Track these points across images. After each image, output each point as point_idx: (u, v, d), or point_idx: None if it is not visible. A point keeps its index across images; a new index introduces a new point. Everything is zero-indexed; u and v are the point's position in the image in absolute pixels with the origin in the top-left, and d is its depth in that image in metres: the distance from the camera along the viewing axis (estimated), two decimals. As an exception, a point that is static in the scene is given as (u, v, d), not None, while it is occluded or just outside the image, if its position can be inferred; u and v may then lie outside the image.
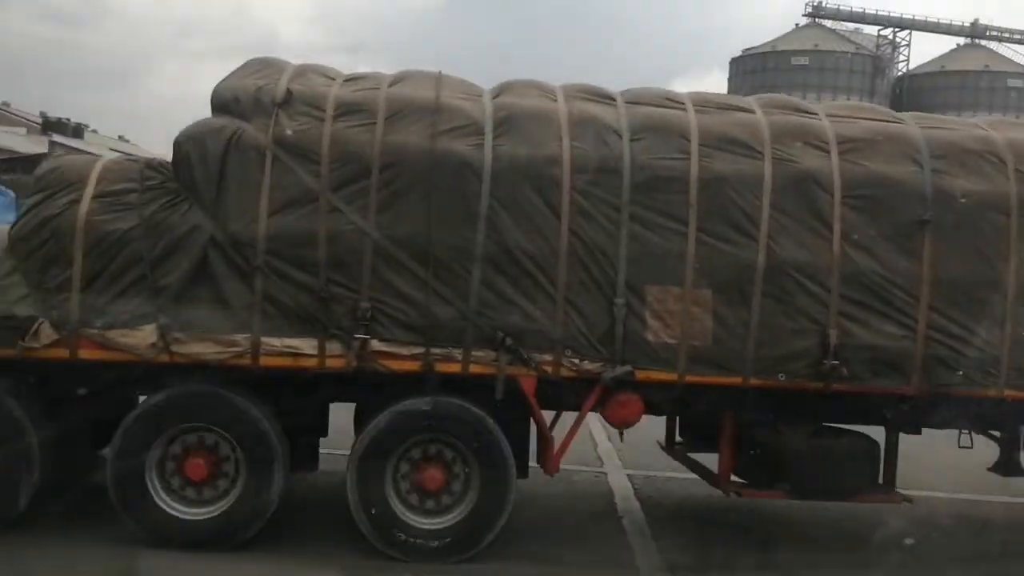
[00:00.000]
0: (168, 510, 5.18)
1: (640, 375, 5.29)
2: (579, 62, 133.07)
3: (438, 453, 5.30)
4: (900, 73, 66.95)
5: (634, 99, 5.75)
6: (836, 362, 5.31)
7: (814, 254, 5.39)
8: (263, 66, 5.60)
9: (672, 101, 5.76)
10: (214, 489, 5.23)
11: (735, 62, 67.44)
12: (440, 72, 5.73)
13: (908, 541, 5.39)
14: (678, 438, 6.63)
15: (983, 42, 66.50)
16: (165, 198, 5.12)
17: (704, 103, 5.78)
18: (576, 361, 5.26)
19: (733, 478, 5.86)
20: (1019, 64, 65.60)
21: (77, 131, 43.06)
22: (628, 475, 7.56)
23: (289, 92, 5.24)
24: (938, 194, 5.49)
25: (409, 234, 5.15)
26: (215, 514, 5.20)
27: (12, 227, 5.20)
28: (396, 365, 5.14)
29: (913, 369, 5.43)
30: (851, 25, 66.55)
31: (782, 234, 5.36)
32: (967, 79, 62.89)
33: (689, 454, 6.49)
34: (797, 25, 67.31)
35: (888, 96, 63.70)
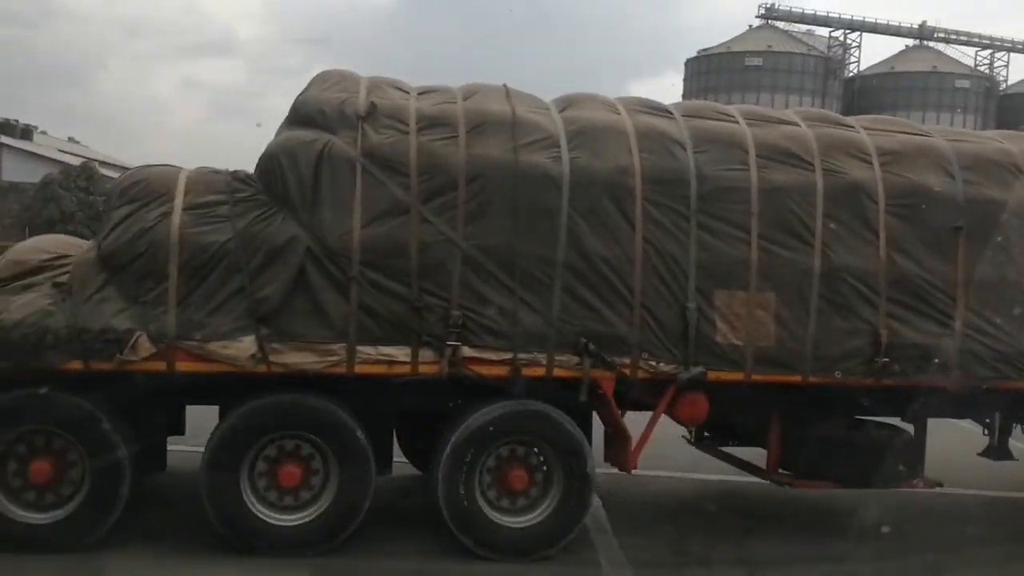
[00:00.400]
0: (264, 518, 5.19)
1: (711, 375, 5.52)
2: (534, 61, 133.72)
3: (525, 454, 5.47)
4: (851, 74, 68.10)
5: (691, 112, 6.01)
6: (887, 359, 5.65)
7: (864, 259, 5.72)
8: (340, 79, 5.62)
9: (725, 114, 6.04)
10: (308, 492, 5.26)
11: (690, 63, 68.19)
12: (506, 86, 5.88)
13: (884, 529, 5.56)
14: (705, 433, 6.73)
15: (931, 44, 67.96)
16: (258, 210, 5.11)
17: (754, 116, 6.09)
18: (653, 363, 5.46)
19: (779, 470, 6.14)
20: (965, 65, 67.20)
21: (26, 132, 42.32)
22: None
23: (373, 105, 5.31)
24: (969, 202, 5.89)
25: (495, 244, 5.27)
26: (310, 519, 5.23)
27: (102, 240, 5.09)
28: (485, 370, 5.26)
29: (952, 364, 5.75)
30: (803, 27, 67.62)
31: (835, 241, 5.68)
32: (915, 80, 64.25)
33: (720, 448, 6.70)
34: (751, 26, 68.27)
35: (840, 97, 64.81)
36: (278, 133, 5.38)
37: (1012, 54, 69.54)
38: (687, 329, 5.45)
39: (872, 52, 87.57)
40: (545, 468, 5.47)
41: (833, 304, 5.66)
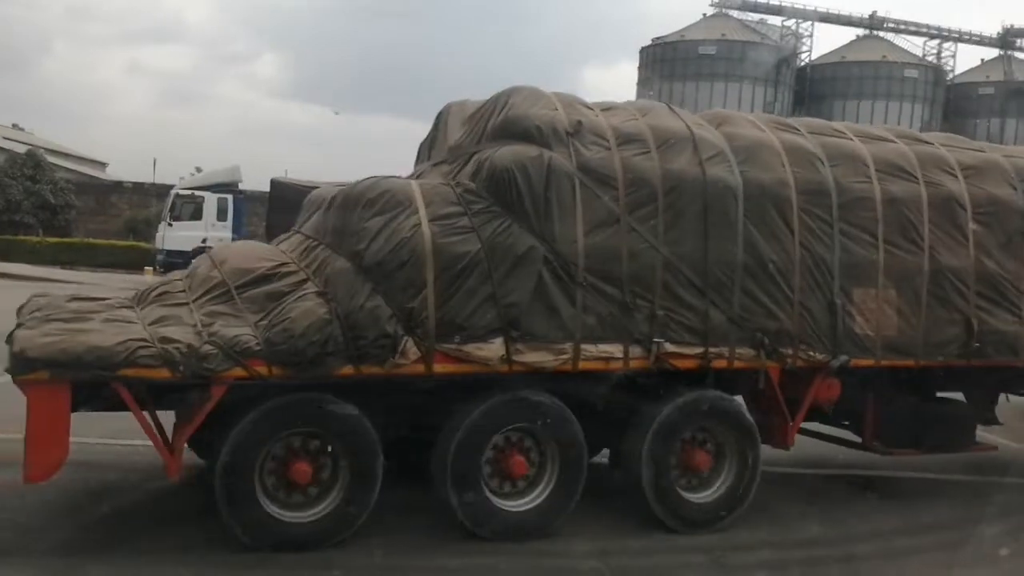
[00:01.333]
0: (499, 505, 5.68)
1: (852, 362, 6.39)
2: (485, 48, 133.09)
3: (704, 439, 6.16)
4: (803, 63, 68.86)
5: (814, 129, 6.88)
6: (978, 344, 6.73)
7: (958, 259, 6.77)
8: (538, 95, 6.12)
9: (839, 131, 6.99)
10: (524, 481, 5.76)
11: (645, 51, 68.35)
12: (669, 104, 6.71)
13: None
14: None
15: (881, 34, 68.96)
16: (497, 221, 5.53)
17: (861, 133, 7.05)
18: (811, 353, 6.26)
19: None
20: (914, 55, 68.30)
21: (-33, 120, 41.09)
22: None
23: (579, 123, 5.85)
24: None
25: (689, 250, 5.91)
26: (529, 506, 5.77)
27: (364, 250, 5.40)
28: (681, 364, 5.90)
29: (1021, 347, 6.96)
30: (756, 16, 68.17)
31: (938, 244, 6.70)
32: (866, 69, 65.17)
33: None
34: (704, 15, 68.58)
35: (792, 85, 65.55)
36: (490, 146, 5.81)
37: (958, 44, 70.88)
38: (835, 322, 6.28)
39: (824, 42, 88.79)
40: (720, 450, 6.18)
41: (937, 298, 6.67)
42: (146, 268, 25.76)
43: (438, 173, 6.11)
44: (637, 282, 5.77)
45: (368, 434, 5.29)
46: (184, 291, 5.68)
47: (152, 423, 5.08)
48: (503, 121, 5.90)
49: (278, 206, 26.25)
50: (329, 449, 5.30)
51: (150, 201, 38.40)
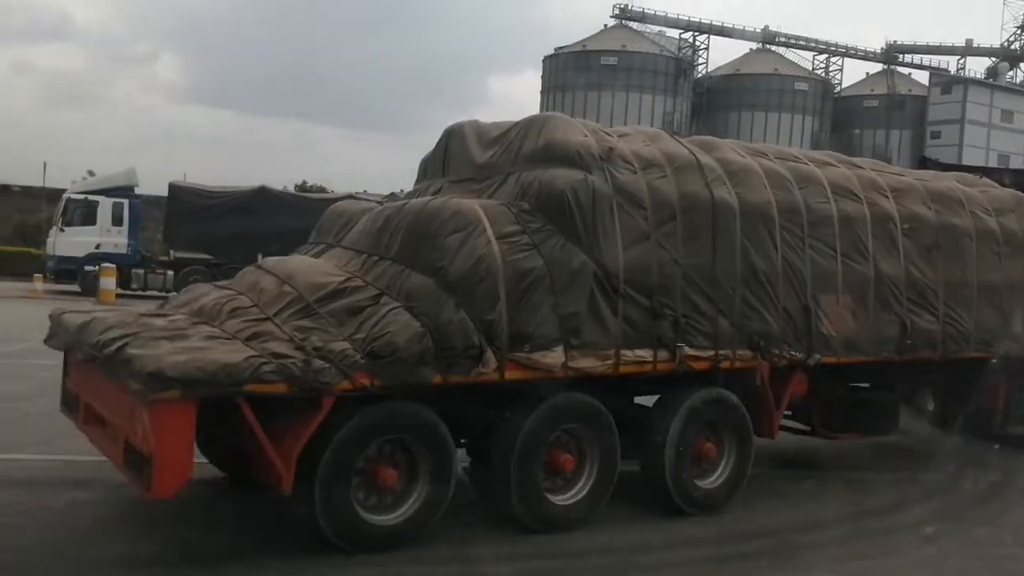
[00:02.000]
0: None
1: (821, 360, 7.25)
2: (388, 54, 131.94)
3: (712, 432, 6.76)
4: (700, 75, 70.75)
5: (779, 155, 7.71)
6: (910, 341, 7.72)
7: (894, 269, 7.75)
8: (570, 121, 6.66)
9: (798, 157, 7.89)
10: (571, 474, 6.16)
11: (547, 60, 69.15)
12: (673, 133, 7.50)
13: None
14: None
15: (773, 48, 71.41)
16: (553, 239, 5.95)
17: (814, 159, 8.01)
18: (792, 353, 6.99)
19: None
20: (804, 68, 70.97)
21: None
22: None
23: (611, 149, 6.40)
24: (943, 227, 8.25)
25: (702, 263, 6.55)
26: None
27: (447, 267, 5.69)
28: (697, 365, 6.50)
29: (938, 343, 7.99)
30: (655, 28, 69.70)
31: (879, 256, 7.66)
32: (759, 81, 67.44)
33: None
34: (606, 26, 69.78)
35: (690, 96, 67.32)
36: (530, 168, 6.27)
37: (845, 59, 73.99)
38: (809, 325, 7.08)
39: (720, 54, 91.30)
40: (722, 440, 6.79)
41: (880, 302, 7.61)
42: (35, 276, 24.70)
43: (467, 191, 6.56)
44: (663, 292, 6.34)
45: (446, 439, 5.58)
46: (255, 306, 5.76)
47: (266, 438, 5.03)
48: (545, 146, 6.34)
49: (177, 211, 25.66)
50: (412, 454, 5.53)
51: (40, 205, 36.76)
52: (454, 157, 7.17)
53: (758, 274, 6.82)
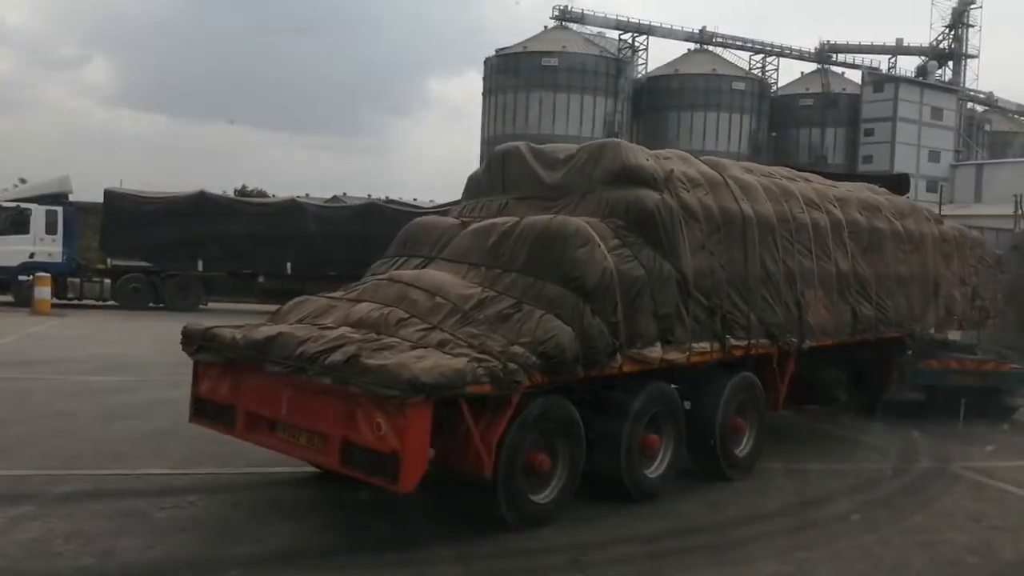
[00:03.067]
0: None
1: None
2: (326, 56, 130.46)
3: (743, 408, 7.92)
4: (640, 75, 71.42)
5: (763, 173, 9.03)
6: (860, 325, 9.27)
7: (846, 266, 9.19)
8: (635, 148, 7.69)
9: (775, 174, 9.20)
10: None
11: (489, 62, 69.19)
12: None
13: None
14: None
15: (710, 48, 72.43)
16: (646, 250, 6.93)
17: (786, 175, 9.41)
18: (791, 339, 8.24)
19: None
20: (741, 68, 72.10)
21: None
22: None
23: (672, 171, 7.45)
24: (871, 230, 9.84)
25: (737, 267, 7.73)
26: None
27: (582, 277, 6.45)
28: (736, 353, 7.68)
29: (873, 326, 9.55)
30: (595, 29, 70.21)
31: (837, 256, 9.07)
32: (697, 81, 68.34)
33: None
34: (546, 27, 70.06)
35: (629, 97, 67.94)
36: (607, 189, 7.23)
37: (781, 59, 75.35)
38: (801, 315, 8.38)
39: (659, 55, 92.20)
40: (746, 416, 7.96)
41: (840, 294, 9.05)
42: (-35, 287, 23.95)
43: (537, 207, 7.41)
44: (715, 293, 7.43)
45: (580, 427, 6.39)
46: (414, 317, 6.31)
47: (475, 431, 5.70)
48: (621, 169, 7.31)
49: (113, 218, 25.13)
50: (556, 442, 6.27)
51: (-32, 214, 35.71)
52: (515, 176, 8.02)
53: (770, 275, 8.07)
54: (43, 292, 21.76)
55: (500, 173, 8.16)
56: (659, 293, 6.84)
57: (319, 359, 5.65)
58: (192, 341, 6.70)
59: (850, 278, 9.20)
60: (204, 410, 6.75)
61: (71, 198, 24.62)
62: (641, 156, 7.44)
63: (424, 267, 7.30)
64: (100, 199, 24.98)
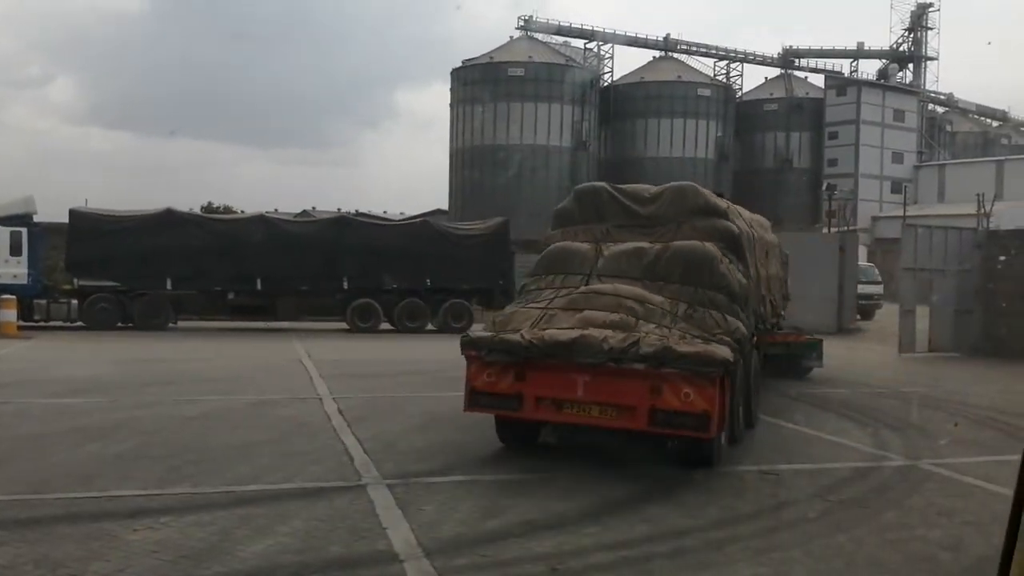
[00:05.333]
0: None
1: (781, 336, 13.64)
2: (292, 69, 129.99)
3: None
4: (606, 84, 71.78)
5: (744, 212, 11.14)
6: (775, 320, 12.83)
7: (771, 273, 11.99)
8: (702, 189, 9.79)
9: (746, 212, 11.49)
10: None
11: (456, 73, 69.21)
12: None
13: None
14: None
15: (675, 55, 72.99)
16: (738, 264, 9.28)
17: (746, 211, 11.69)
18: (778, 331, 12.53)
19: None
20: (706, 75, 72.72)
21: None
22: (388, 485, 7.41)
23: (729, 205, 9.98)
24: (769, 243, 12.54)
25: (772, 279, 11.62)
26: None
27: (730, 286, 8.79)
28: (769, 340, 12.07)
29: (775, 315, 12.81)
30: (560, 39, 70.47)
31: (771, 267, 12.12)
32: (663, 88, 68.77)
33: None
34: (512, 38, 70.25)
35: (597, 105, 68.23)
36: (698, 219, 9.30)
37: (745, 65, 76.14)
38: (775, 311, 12.25)
39: (624, 63, 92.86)
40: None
41: (780, 296, 12.91)
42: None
43: (638, 233, 9.34)
44: (769, 293, 11.11)
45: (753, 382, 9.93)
46: (640, 320, 8.18)
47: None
48: (704, 204, 9.45)
49: (79, 238, 24.79)
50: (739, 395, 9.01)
51: (-71, 237, 35.09)
52: (610, 209, 9.71)
53: (771, 280, 11.29)
54: (8, 315, 21.44)
55: (592, 206, 9.82)
56: (765, 293, 10.54)
57: (630, 351, 7.58)
58: (479, 346, 8.17)
59: (775, 282, 12.47)
60: (480, 400, 8.27)
61: (36, 219, 24.28)
62: (711, 195, 9.72)
63: (587, 283, 8.89)
64: (65, 219, 24.65)
